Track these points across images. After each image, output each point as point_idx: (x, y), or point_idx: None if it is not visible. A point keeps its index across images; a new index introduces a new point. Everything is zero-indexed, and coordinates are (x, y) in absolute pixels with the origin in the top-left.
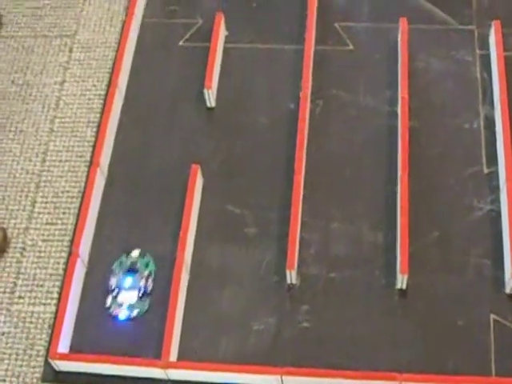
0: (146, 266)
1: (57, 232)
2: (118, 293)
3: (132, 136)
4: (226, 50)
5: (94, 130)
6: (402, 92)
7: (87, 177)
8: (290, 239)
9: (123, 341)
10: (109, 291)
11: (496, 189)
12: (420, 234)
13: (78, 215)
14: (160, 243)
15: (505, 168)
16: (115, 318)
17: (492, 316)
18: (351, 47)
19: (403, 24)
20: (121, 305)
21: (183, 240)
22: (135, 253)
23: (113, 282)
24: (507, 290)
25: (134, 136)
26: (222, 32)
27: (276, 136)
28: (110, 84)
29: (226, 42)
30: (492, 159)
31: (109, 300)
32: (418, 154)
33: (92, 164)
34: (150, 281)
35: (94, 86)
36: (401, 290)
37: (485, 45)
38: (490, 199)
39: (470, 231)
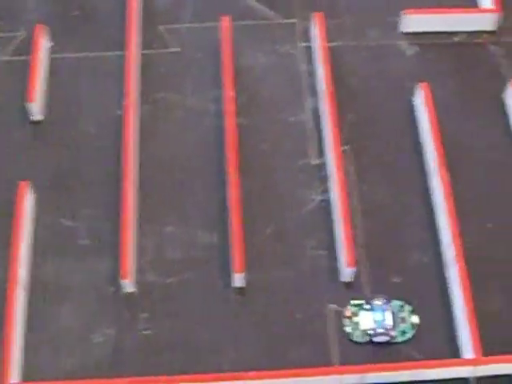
0: None
1: None
2: None
3: None
4: (51, 61)
5: None
6: (227, 90)
7: None
8: (122, 248)
9: None
10: None
11: (325, 179)
12: (255, 231)
13: None
14: None
15: (333, 158)
16: None
17: (330, 306)
18: (177, 49)
19: (225, 22)
20: None
21: (14, 258)
22: None
23: None
24: (342, 279)
25: None
26: (44, 43)
27: (105, 145)
28: None
29: (51, 53)
30: (320, 151)
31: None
32: (247, 151)
33: None
34: None
35: None
36: (239, 288)
37: (308, 37)
38: (321, 190)
39: (304, 224)
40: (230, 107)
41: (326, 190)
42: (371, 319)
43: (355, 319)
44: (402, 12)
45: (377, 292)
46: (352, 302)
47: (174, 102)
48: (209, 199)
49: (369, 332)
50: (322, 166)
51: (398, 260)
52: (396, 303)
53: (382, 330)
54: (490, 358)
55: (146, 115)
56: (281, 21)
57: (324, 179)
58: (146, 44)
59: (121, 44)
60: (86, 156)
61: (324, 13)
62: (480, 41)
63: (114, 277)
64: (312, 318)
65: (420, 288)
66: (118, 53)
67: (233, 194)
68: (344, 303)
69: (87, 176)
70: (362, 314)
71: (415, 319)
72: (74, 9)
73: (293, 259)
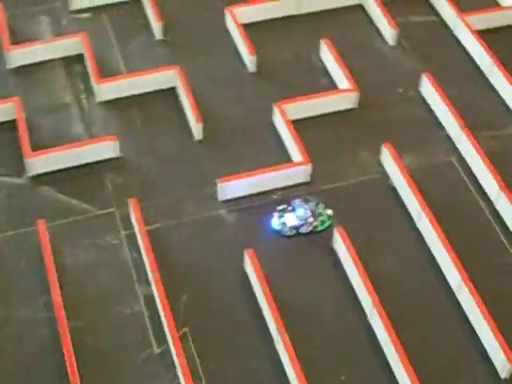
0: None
1: None
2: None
3: None
4: None
5: None
6: (54, 296)
7: None
8: None
9: None
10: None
11: (172, 366)
12: None
13: None
14: None
15: (172, 344)
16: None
17: None
18: None
19: (41, 226)
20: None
21: None
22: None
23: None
24: None
25: None
26: None
27: None
28: None
29: None
30: (161, 337)
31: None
32: (86, 353)
33: None
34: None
35: None
36: None
37: (129, 224)
38: (168, 379)
39: None
40: (59, 313)
41: (174, 378)
42: (294, 217)
43: (282, 220)
44: (217, 181)
45: None
46: (277, 208)
47: (2, 317)
48: None
49: (295, 226)
50: (165, 354)
51: None
52: (311, 203)
53: (304, 222)
54: None
55: None
56: (98, 212)
57: (170, 366)
58: None
59: None
60: None
61: (139, 196)
62: (297, 193)
63: None
64: None
65: None
66: None
67: None
68: None
69: None
70: (287, 215)
71: (330, 212)
72: None
73: None
